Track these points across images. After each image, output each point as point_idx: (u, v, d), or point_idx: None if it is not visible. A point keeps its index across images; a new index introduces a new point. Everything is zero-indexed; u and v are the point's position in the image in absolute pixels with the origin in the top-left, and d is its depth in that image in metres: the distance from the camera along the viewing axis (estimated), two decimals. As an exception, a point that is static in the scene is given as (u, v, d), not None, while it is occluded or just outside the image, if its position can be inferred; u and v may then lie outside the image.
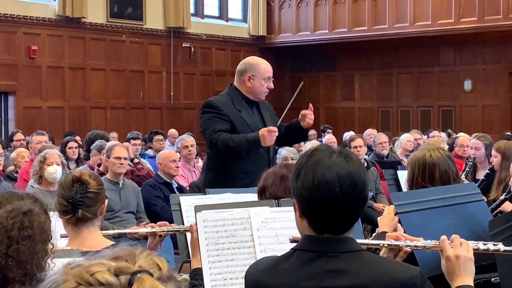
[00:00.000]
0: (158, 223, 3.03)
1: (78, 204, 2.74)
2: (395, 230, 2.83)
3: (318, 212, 1.89)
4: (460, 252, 2.15)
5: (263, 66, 4.61)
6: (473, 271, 2.16)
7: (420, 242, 2.31)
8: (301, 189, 1.91)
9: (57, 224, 2.88)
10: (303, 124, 4.58)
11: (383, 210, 6.47)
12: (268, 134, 4.29)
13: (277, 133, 4.36)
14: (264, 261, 2.02)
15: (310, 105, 4.66)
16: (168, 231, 2.94)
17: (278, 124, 4.57)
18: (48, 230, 1.86)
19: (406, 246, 2.32)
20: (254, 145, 4.33)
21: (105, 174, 5.93)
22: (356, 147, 7.18)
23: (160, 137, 9.18)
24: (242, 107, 4.52)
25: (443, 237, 2.21)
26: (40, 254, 1.80)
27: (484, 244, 2.27)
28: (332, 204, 1.88)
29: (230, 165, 4.43)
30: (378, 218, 2.95)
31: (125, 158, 5.84)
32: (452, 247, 2.17)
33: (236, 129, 4.42)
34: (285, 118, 4.72)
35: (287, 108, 4.62)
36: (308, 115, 4.54)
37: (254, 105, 4.62)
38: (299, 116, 4.62)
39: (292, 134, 4.68)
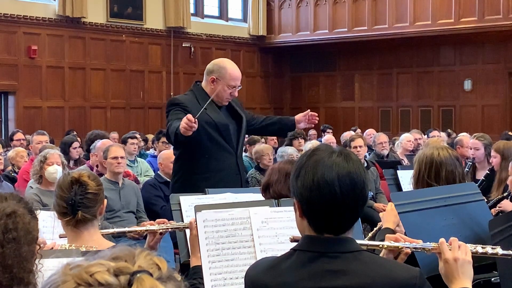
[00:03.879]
0: (157, 220, 3.01)
1: (78, 206, 2.71)
2: (397, 226, 2.84)
3: (318, 212, 1.89)
4: (459, 254, 2.14)
5: (230, 72, 4.38)
6: (471, 274, 2.15)
7: (419, 244, 2.31)
8: (301, 189, 1.91)
9: (55, 224, 2.87)
10: (298, 126, 4.57)
11: (383, 209, 6.50)
12: (183, 123, 3.90)
13: (194, 126, 3.90)
14: (263, 262, 2.01)
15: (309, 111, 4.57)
16: (167, 228, 2.92)
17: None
18: (34, 231, 1.82)
19: (406, 247, 2.32)
20: (180, 134, 3.98)
21: (104, 174, 5.93)
22: (356, 147, 7.18)
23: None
24: (207, 104, 4.34)
25: (442, 239, 2.20)
26: (27, 256, 1.76)
27: (482, 247, 2.26)
28: (332, 204, 1.88)
29: (196, 166, 4.30)
30: (381, 214, 2.96)
31: (122, 157, 5.84)
32: (450, 250, 2.17)
33: (202, 125, 4.21)
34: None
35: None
36: (311, 119, 4.49)
37: None
38: (298, 117, 4.55)
39: (277, 127, 4.64)
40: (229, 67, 4.42)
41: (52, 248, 2.62)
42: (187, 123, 3.89)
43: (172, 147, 8.68)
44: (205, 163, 4.31)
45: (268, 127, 4.68)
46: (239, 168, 4.50)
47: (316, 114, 4.60)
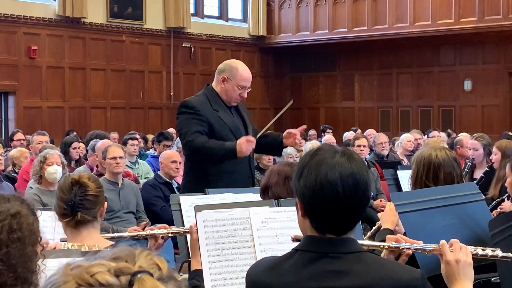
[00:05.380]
0: (158, 225, 3.01)
1: (77, 207, 2.73)
2: (396, 225, 2.85)
3: (321, 212, 1.89)
4: (460, 256, 2.15)
5: (241, 73, 4.42)
6: (472, 276, 2.16)
7: (420, 245, 2.31)
8: (303, 189, 1.90)
9: (56, 224, 2.88)
10: (286, 142, 4.43)
11: (382, 207, 6.49)
12: (245, 144, 4.17)
13: (254, 145, 4.24)
14: (265, 261, 2.01)
15: (304, 126, 4.53)
16: (168, 233, 2.93)
17: (258, 135, 4.42)
18: (37, 232, 1.83)
19: (407, 248, 2.33)
20: (230, 154, 4.20)
21: (104, 175, 5.93)
22: (359, 146, 7.22)
23: (169, 143, 8.74)
24: (219, 106, 4.39)
25: (443, 241, 2.21)
26: (31, 257, 1.77)
27: (482, 249, 2.27)
28: (335, 204, 1.87)
29: (209, 167, 4.30)
30: (379, 214, 2.96)
31: (120, 157, 5.84)
32: (452, 251, 2.17)
33: (214, 129, 4.30)
34: (273, 125, 4.59)
35: (270, 123, 4.49)
36: (296, 136, 4.40)
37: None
38: (285, 133, 4.43)
39: (267, 146, 4.55)
40: (240, 68, 4.46)
41: (55, 248, 2.62)
42: (248, 145, 4.15)
43: (173, 148, 8.69)
44: (218, 165, 4.30)
45: (260, 142, 4.52)
46: (251, 170, 4.51)
47: (299, 133, 4.44)
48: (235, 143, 4.20)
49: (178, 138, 8.24)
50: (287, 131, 4.44)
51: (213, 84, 4.50)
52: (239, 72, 4.42)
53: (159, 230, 2.92)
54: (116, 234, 3.06)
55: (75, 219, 2.73)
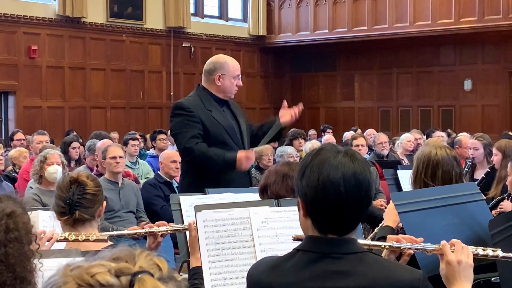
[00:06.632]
0: (157, 223, 3.01)
1: (76, 205, 2.73)
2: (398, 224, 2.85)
3: (323, 212, 1.89)
4: (462, 257, 2.14)
5: (232, 64, 4.51)
6: (472, 277, 2.15)
7: (421, 245, 2.31)
8: (306, 189, 1.90)
9: (55, 224, 2.88)
10: (283, 121, 4.49)
11: (381, 206, 6.47)
12: (246, 160, 4.26)
13: (253, 160, 4.38)
14: (266, 261, 2.01)
15: (301, 104, 4.59)
16: (167, 230, 2.93)
17: (254, 150, 4.51)
18: (32, 230, 1.83)
19: (407, 248, 2.32)
20: (229, 165, 4.26)
21: (104, 174, 5.93)
22: (357, 145, 7.21)
23: (164, 136, 9.08)
24: (212, 106, 4.43)
25: (444, 241, 2.20)
26: (28, 256, 1.77)
27: (483, 249, 2.27)
28: (337, 204, 1.87)
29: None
30: (383, 214, 2.98)
31: (120, 157, 5.84)
32: (453, 252, 2.17)
33: (208, 129, 4.33)
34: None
35: (265, 141, 4.55)
36: (292, 111, 4.48)
37: (224, 103, 4.53)
38: (279, 112, 4.52)
39: (265, 134, 4.59)
40: (229, 61, 4.54)
41: (52, 237, 2.63)
42: (248, 162, 4.30)
43: (173, 146, 8.70)
44: None
45: (258, 132, 4.66)
46: (249, 169, 4.53)
47: (298, 110, 4.55)
48: (235, 156, 4.25)
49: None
50: (282, 107, 4.54)
51: (205, 84, 4.52)
52: (230, 65, 4.50)
53: (158, 227, 2.92)
54: (115, 233, 3.05)
55: (73, 218, 2.73)
